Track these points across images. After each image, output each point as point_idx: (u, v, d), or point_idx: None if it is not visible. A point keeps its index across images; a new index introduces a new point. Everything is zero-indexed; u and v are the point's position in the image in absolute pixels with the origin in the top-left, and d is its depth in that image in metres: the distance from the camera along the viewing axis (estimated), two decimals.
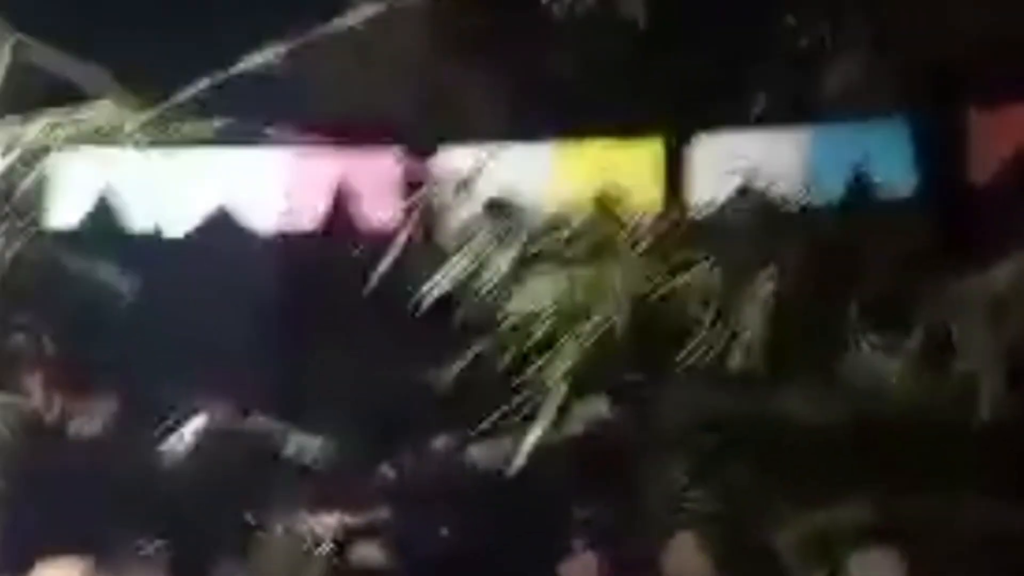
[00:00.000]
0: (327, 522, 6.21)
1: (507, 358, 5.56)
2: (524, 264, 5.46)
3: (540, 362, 5.45)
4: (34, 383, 5.98)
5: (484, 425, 5.70)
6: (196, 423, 6.06)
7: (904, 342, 5.14)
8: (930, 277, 5.11)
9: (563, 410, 5.30)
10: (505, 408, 5.54)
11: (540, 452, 5.49)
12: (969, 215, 5.11)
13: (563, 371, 5.51)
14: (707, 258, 5.35)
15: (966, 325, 5.10)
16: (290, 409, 6.29)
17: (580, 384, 5.59)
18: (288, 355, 6.33)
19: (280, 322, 6.27)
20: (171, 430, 6.02)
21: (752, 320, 5.27)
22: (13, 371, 5.98)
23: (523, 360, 5.55)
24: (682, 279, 5.36)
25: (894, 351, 5.16)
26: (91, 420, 6.01)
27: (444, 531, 6.22)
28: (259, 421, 6.10)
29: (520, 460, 5.54)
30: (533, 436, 5.55)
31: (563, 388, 5.54)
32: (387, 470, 6.46)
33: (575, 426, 5.72)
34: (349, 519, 6.23)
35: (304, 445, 6.16)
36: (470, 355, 5.61)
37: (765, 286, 5.28)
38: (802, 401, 5.34)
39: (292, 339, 6.34)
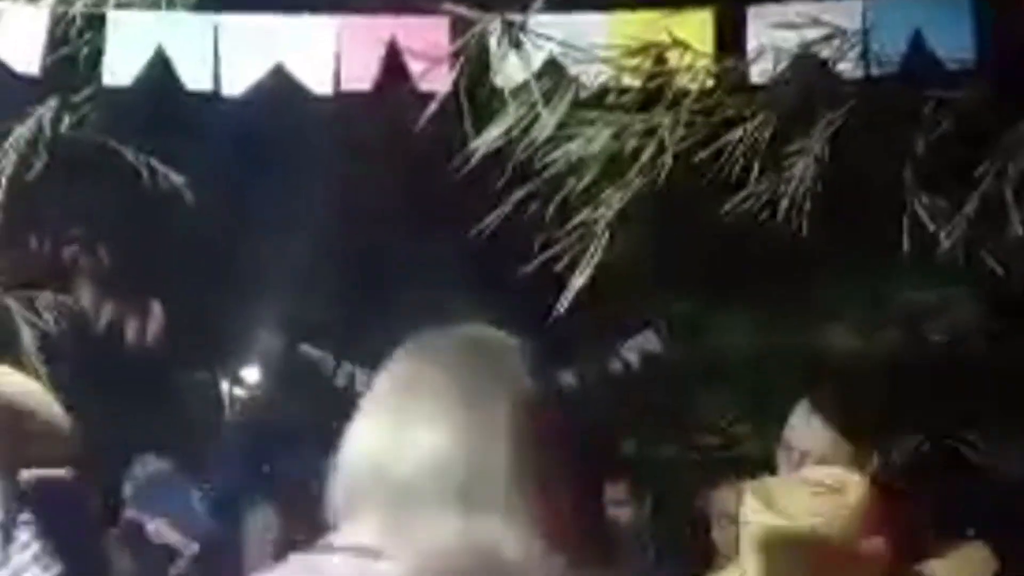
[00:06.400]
0: None
1: (550, 207, 5.52)
2: (573, 116, 5.42)
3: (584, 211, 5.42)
4: (84, 289, 5.79)
5: (529, 268, 5.68)
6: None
7: (960, 209, 5.10)
8: (988, 143, 5.06)
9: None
10: (548, 254, 5.53)
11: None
12: None
13: (607, 220, 5.49)
14: (758, 114, 5.30)
15: (1019, 181, 5.07)
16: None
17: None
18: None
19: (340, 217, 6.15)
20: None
21: (802, 173, 5.24)
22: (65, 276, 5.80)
23: (565, 208, 5.52)
24: (733, 133, 5.32)
25: (949, 216, 5.12)
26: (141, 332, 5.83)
27: None
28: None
29: (564, 302, 5.52)
30: (577, 282, 5.54)
31: (606, 237, 5.52)
32: None
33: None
34: None
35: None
36: (512, 202, 5.57)
37: (818, 142, 5.24)
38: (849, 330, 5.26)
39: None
